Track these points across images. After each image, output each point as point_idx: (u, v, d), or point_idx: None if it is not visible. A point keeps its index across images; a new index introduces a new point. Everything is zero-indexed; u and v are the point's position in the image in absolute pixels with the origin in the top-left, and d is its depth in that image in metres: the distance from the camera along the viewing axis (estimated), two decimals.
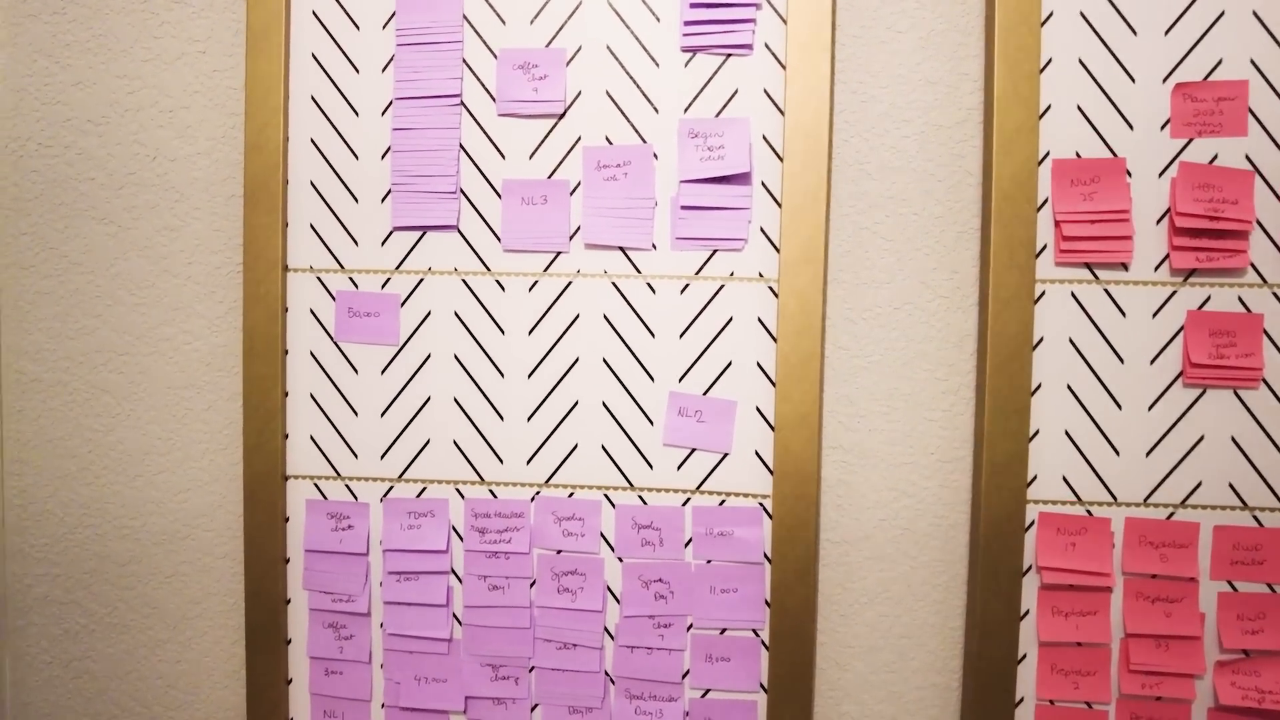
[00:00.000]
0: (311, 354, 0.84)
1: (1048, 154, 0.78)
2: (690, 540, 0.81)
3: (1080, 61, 0.78)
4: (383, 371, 0.84)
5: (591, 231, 0.81)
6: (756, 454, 0.80)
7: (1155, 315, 0.78)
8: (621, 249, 0.81)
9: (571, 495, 0.82)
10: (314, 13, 0.83)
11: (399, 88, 0.82)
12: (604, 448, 0.82)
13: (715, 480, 0.81)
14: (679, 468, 0.81)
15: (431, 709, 0.84)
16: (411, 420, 0.84)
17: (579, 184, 0.81)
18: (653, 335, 0.81)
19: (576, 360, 0.82)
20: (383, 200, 0.83)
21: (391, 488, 0.84)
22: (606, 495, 0.82)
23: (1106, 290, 0.78)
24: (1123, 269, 0.78)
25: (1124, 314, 0.78)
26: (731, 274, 0.80)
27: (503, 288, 0.82)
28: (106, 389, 0.90)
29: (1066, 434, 0.79)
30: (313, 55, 0.83)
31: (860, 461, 0.82)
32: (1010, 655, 0.79)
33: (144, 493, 0.90)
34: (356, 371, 0.84)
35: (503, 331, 0.82)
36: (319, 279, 0.84)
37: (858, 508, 0.83)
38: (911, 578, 0.83)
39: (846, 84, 0.81)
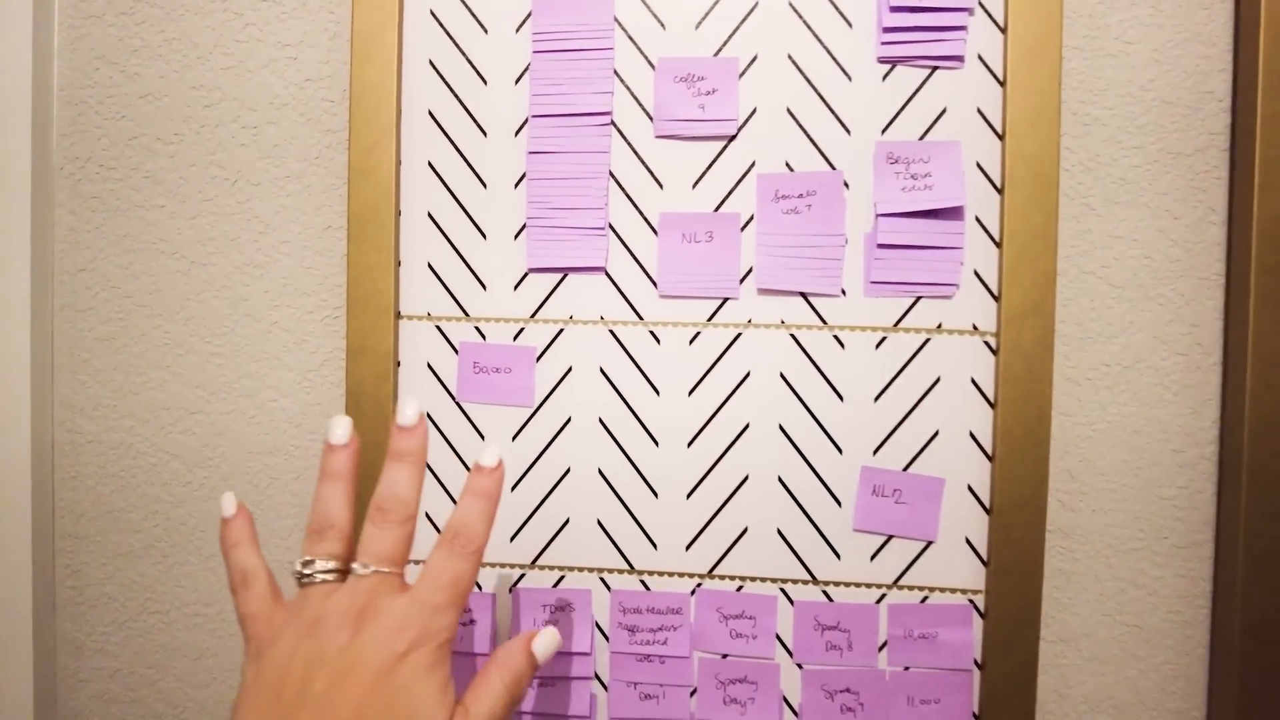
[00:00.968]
0: (428, 416, 0.71)
1: None
2: (885, 643, 0.68)
3: None
4: (514, 438, 0.70)
5: (767, 274, 0.68)
6: (967, 541, 0.67)
7: None
8: (803, 295, 0.68)
9: (740, 588, 0.69)
10: (432, 12, 0.70)
11: (536, 103, 0.69)
12: (780, 532, 0.69)
13: (916, 573, 0.68)
14: (872, 558, 0.68)
15: None
16: (548, 496, 0.70)
17: (752, 218, 0.68)
18: (841, 398, 0.68)
19: (747, 426, 0.69)
20: (516, 237, 0.70)
21: (523, 575, 0.71)
22: (783, 589, 0.69)
23: None
24: None
25: None
26: (939, 326, 0.67)
27: (658, 340, 0.69)
28: (176, 453, 0.76)
29: None
30: (430, 63, 0.70)
31: (1082, 547, 0.70)
32: None
33: (220, 575, 0.77)
34: (483, 437, 0.71)
35: (657, 392, 0.69)
36: (438, 328, 0.71)
37: (1078, 601, 0.70)
38: (1140, 683, 0.70)
39: (1066, 103, 0.69)
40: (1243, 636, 0.66)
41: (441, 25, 0.71)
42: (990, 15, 0.66)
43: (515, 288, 0.70)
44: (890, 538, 0.68)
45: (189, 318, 0.76)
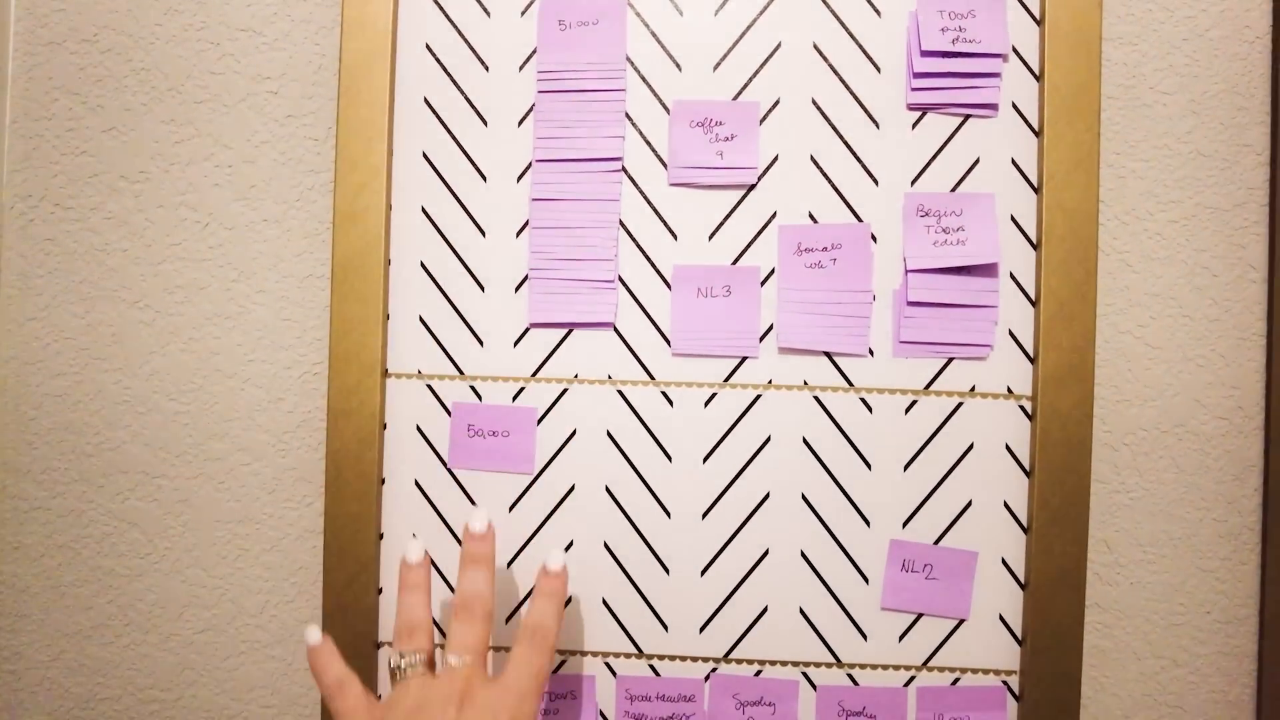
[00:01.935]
0: (417, 484, 0.65)
1: None
2: None
3: None
4: (511, 508, 0.65)
5: (789, 332, 0.63)
6: (1001, 619, 0.63)
7: None
8: (828, 355, 0.63)
9: (759, 673, 0.64)
10: (428, 46, 0.65)
11: (540, 147, 0.64)
12: (802, 611, 0.64)
13: (947, 653, 0.63)
14: (901, 638, 0.63)
15: None
16: None
17: (773, 272, 0.63)
18: (869, 466, 0.63)
19: (766, 496, 0.64)
20: (516, 289, 0.64)
21: None
22: (805, 673, 0.64)
23: None
24: None
25: None
26: (973, 389, 0.63)
27: (671, 402, 0.64)
28: (135, 521, 0.69)
29: None
30: (426, 101, 0.65)
31: (1120, 622, 0.65)
32: None
33: (180, 657, 0.69)
34: (478, 508, 0.65)
35: (669, 458, 0.64)
36: (429, 387, 0.65)
37: (1117, 680, 0.65)
38: None
39: (1102, 155, 0.65)
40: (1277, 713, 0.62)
41: (438, 60, 0.66)
42: (1025, 62, 0.63)
43: (515, 344, 0.65)
44: (920, 616, 0.63)
45: (152, 372, 0.69)
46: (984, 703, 0.63)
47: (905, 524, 0.63)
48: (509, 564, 0.65)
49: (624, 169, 0.64)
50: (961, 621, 0.63)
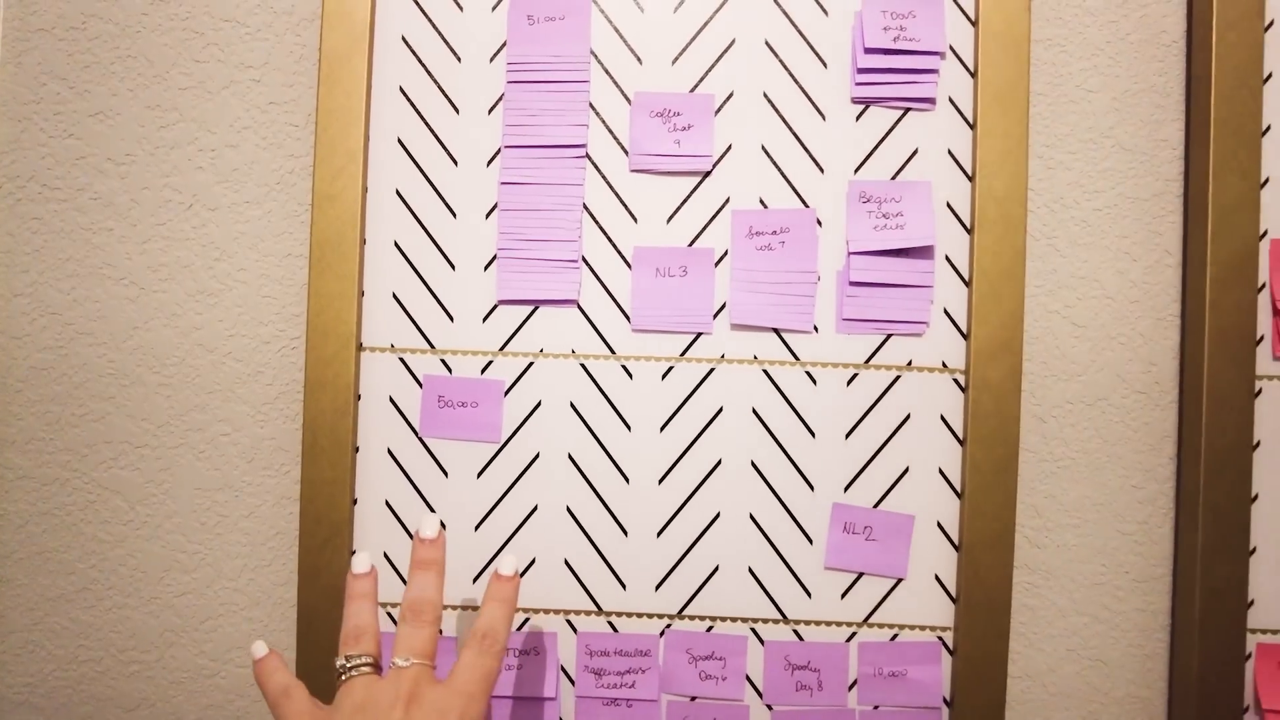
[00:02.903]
0: (389, 452, 0.69)
1: (1265, 232, 0.68)
2: (854, 683, 0.67)
3: None
4: (479, 475, 0.69)
5: (740, 310, 0.68)
6: (936, 579, 0.67)
7: None
8: (776, 331, 0.68)
9: (710, 629, 0.68)
10: (404, 38, 0.69)
11: (509, 134, 0.68)
12: (751, 571, 0.68)
13: (887, 611, 0.68)
14: (843, 596, 0.68)
15: None
16: (513, 535, 0.68)
17: (726, 253, 0.68)
18: (813, 435, 0.68)
19: (719, 463, 0.68)
20: (485, 268, 0.69)
21: None
22: (754, 629, 0.68)
23: None
24: None
25: None
26: (909, 363, 0.67)
27: (630, 375, 0.68)
28: (118, 489, 0.72)
29: None
30: (401, 89, 0.69)
31: (1047, 582, 0.70)
32: None
33: (162, 619, 0.73)
34: (446, 474, 0.69)
35: (629, 427, 0.68)
36: (402, 360, 0.69)
37: (1043, 636, 0.70)
38: (1103, 716, 0.70)
39: (1032, 147, 0.70)
40: (1200, 668, 0.67)
41: (413, 51, 0.69)
42: (961, 60, 0.68)
43: (484, 320, 0.69)
44: (861, 575, 0.68)
45: (136, 347, 0.73)
46: (920, 657, 0.68)
47: (847, 488, 0.68)
48: (476, 527, 0.69)
49: (588, 155, 0.69)
50: (899, 581, 0.68)
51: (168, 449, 0.72)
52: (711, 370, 0.68)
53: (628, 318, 0.68)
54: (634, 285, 0.68)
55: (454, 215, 0.69)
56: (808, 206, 0.68)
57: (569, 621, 0.69)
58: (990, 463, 0.66)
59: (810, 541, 0.68)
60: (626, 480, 0.68)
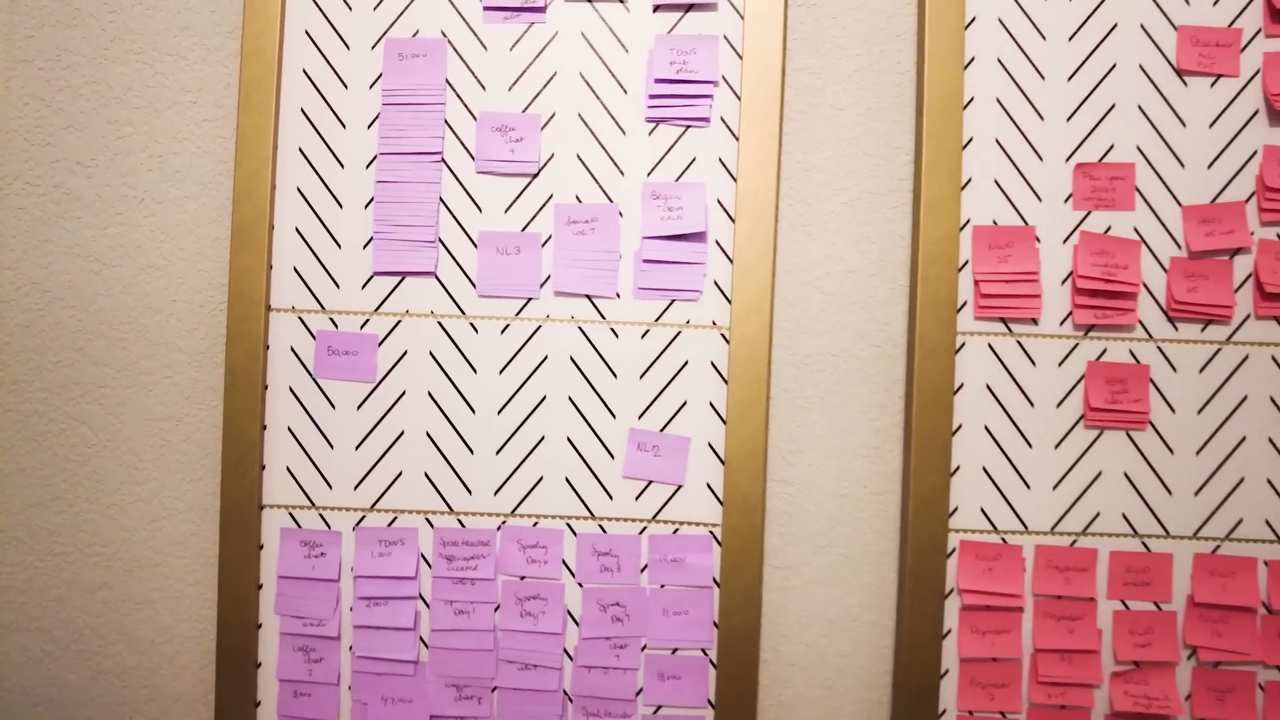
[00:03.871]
0: (290, 389, 0.89)
1: (968, 221, 0.89)
2: (645, 566, 0.88)
3: (997, 141, 0.89)
4: (359, 407, 0.89)
5: (561, 280, 0.88)
6: (708, 486, 0.88)
7: (1060, 365, 0.88)
8: (588, 297, 0.88)
9: (536, 524, 0.88)
10: (304, 71, 0.90)
11: (384, 143, 0.89)
12: (568, 480, 0.88)
13: (670, 510, 0.88)
14: (636, 499, 0.88)
15: None
16: (385, 453, 0.89)
17: (550, 237, 0.88)
18: (615, 376, 0.88)
19: (544, 398, 0.88)
20: (364, 247, 0.89)
21: (364, 517, 0.89)
22: (569, 524, 0.88)
23: (1019, 342, 0.88)
24: (1033, 323, 0.89)
25: (1034, 363, 0.88)
26: (688, 322, 0.88)
27: (476, 330, 0.89)
28: (84, 420, 0.93)
29: (984, 470, 0.88)
30: (301, 110, 0.90)
31: (801, 494, 0.91)
32: (934, 671, 0.88)
33: (118, 521, 0.93)
34: (334, 407, 0.89)
35: (475, 371, 0.89)
36: (300, 319, 0.89)
37: (798, 535, 0.91)
38: (847, 600, 0.91)
39: (792, 154, 0.91)
40: (913, 560, 0.88)
41: (311, 81, 0.90)
42: (731, 86, 0.88)
43: (363, 287, 0.90)
44: (650, 483, 0.89)
45: (99, 309, 0.93)
46: (696, 547, 0.88)
47: (640, 417, 0.88)
48: (356, 447, 0.90)
49: (443, 160, 0.89)
50: (680, 487, 0.88)
51: (123, 389, 0.93)
52: (539, 327, 0.89)
53: (474, 286, 0.89)
54: (479, 261, 0.89)
55: (340, 206, 0.90)
56: (612, 202, 0.88)
57: (427, 520, 0.89)
58: (746, 397, 0.87)
59: (612, 457, 0.89)
60: (473, 411, 0.89)
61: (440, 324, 0.89)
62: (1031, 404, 0.88)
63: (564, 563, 0.88)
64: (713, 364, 0.88)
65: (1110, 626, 0.88)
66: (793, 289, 0.90)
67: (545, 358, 0.88)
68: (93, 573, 0.94)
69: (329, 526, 0.89)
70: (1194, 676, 0.88)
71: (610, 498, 0.88)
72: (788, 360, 0.90)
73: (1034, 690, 0.88)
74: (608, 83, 0.88)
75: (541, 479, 0.89)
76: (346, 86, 0.90)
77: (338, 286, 0.89)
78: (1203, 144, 0.88)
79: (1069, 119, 0.88)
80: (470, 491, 0.89)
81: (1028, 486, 0.88)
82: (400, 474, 0.89)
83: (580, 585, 0.88)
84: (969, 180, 0.89)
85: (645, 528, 0.88)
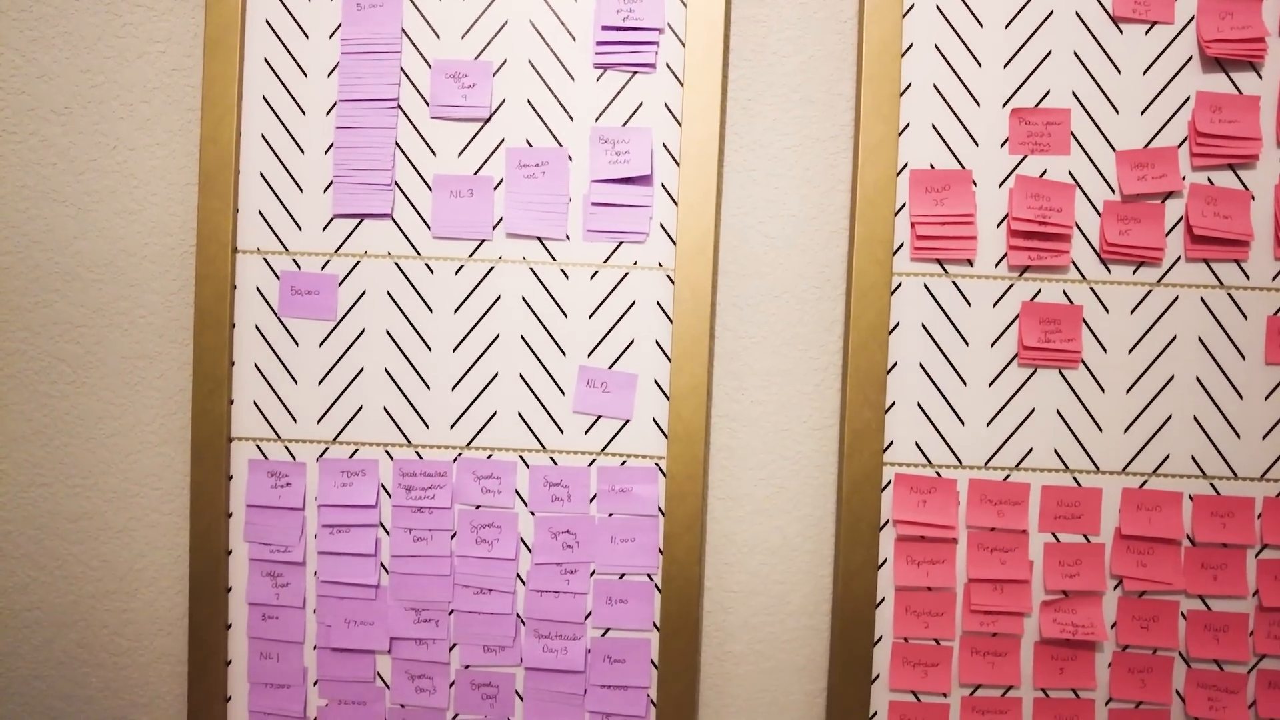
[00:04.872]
0: (257, 327, 0.94)
1: (905, 165, 0.91)
2: (594, 496, 0.92)
3: (935, 87, 0.91)
4: (321, 344, 0.93)
5: (512, 222, 0.92)
6: (654, 420, 0.92)
7: (995, 305, 0.92)
8: (539, 239, 0.92)
9: (490, 457, 0.93)
10: (267, 21, 0.93)
11: (343, 91, 0.92)
12: (520, 414, 0.93)
13: (618, 443, 0.92)
14: (586, 432, 0.92)
15: (359, 649, 0.93)
16: (346, 388, 0.93)
17: (502, 180, 0.92)
18: (565, 315, 0.92)
19: (497, 336, 0.92)
20: (325, 190, 0.93)
21: (327, 449, 0.94)
22: (521, 457, 0.93)
23: (954, 283, 0.92)
24: (968, 265, 0.92)
25: (969, 303, 0.92)
26: (635, 263, 0.92)
27: (432, 271, 0.93)
28: (63, 358, 0.98)
29: (919, 406, 0.92)
30: (265, 59, 0.93)
31: (744, 428, 0.95)
32: (870, 599, 0.92)
33: (96, 454, 0.98)
34: (297, 344, 0.94)
35: (431, 310, 0.93)
36: (265, 260, 0.94)
37: (741, 468, 0.95)
38: (787, 530, 0.95)
39: (737, 100, 0.94)
40: (849, 491, 0.92)
41: (274, 30, 0.94)
42: (676, 33, 0.91)
43: (324, 229, 0.94)
44: (599, 417, 0.93)
45: (76, 252, 0.98)
46: (642, 478, 0.92)
47: (590, 354, 0.92)
48: (319, 383, 0.94)
49: (399, 107, 0.93)
50: (627, 421, 0.92)
51: (100, 328, 0.98)
52: (492, 268, 0.93)
53: (429, 227, 0.93)
54: (434, 203, 0.92)
55: (302, 151, 0.93)
56: (561, 146, 0.92)
57: (387, 452, 0.94)
58: (691, 336, 0.90)
59: (563, 393, 0.93)
60: (429, 348, 0.93)
61: (397, 264, 0.93)
62: (966, 343, 0.92)
63: (517, 493, 0.93)
64: (659, 304, 0.91)
65: (1041, 558, 0.92)
66: (736, 232, 0.94)
67: (498, 298, 0.92)
68: (73, 503, 0.99)
69: (294, 458, 0.94)
70: (1120, 605, 0.92)
71: (561, 431, 0.92)
72: (731, 301, 0.94)
73: (967, 619, 0.92)
74: (556, 29, 0.91)
75: (495, 414, 0.93)
76: (308, 36, 0.93)
77: (300, 229, 0.93)
78: (1137, 90, 0.90)
79: (1006, 65, 0.91)
80: (427, 425, 0.93)
81: (962, 423, 0.92)
82: (361, 408, 0.93)
83: (533, 514, 0.92)
84: (907, 125, 0.91)
85: (594, 460, 0.92)
